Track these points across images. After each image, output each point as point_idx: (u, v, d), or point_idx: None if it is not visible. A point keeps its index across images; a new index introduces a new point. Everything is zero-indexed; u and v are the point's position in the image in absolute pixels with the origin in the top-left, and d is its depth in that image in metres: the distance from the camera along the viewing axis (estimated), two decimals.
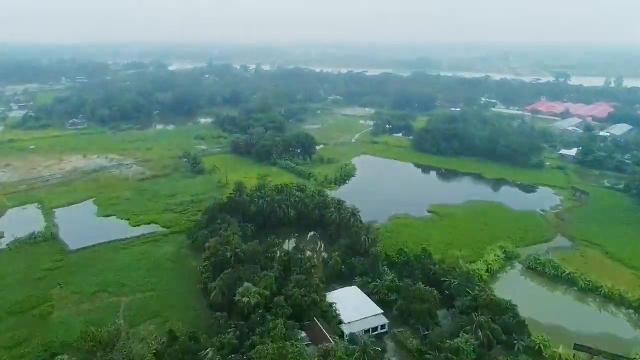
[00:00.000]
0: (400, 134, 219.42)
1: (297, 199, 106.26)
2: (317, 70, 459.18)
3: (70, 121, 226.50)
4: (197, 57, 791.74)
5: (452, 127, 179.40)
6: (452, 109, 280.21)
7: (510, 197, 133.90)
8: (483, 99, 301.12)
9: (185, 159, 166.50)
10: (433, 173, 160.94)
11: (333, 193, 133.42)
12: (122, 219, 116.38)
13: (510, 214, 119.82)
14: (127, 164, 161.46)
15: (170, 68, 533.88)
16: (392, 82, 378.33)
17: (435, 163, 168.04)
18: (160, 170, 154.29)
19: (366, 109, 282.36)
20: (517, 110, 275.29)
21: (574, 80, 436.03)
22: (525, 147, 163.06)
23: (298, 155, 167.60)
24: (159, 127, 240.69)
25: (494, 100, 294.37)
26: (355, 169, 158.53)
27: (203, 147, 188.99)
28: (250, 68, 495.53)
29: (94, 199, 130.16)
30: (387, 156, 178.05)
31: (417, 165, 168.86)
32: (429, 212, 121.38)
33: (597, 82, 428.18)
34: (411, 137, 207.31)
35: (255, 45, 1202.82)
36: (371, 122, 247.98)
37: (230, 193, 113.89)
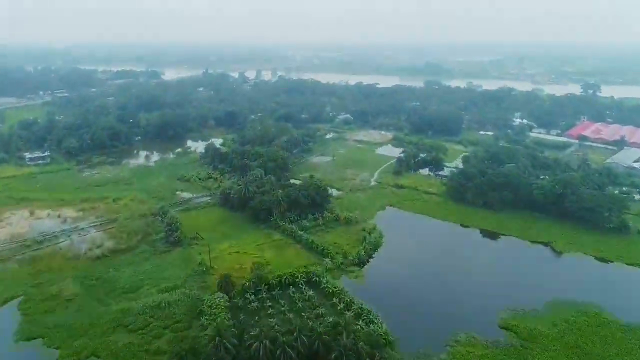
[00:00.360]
0: (426, 169, 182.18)
1: (311, 335, 68.16)
2: (323, 81, 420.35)
3: (32, 155, 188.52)
4: (195, 62, 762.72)
5: (503, 174, 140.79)
6: (481, 132, 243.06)
7: (606, 291, 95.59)
8: (516, 120, 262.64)
9: (160, 218, 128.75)
10: (485, 240, 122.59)
11: (358, 287, 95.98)
12: (50, 347, 78.41)
13: (621, 334, 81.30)
14: (84, 229, 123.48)
15: (163, 77, 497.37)
16: (406, 96, 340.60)
17: (483, 223, 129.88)
18: (125, 239, 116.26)
19: (382, 132, 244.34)
20: (557, 135, 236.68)
21: (604, 91, 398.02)
22: (603, 205, 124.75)
23: (307, 212, 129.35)
24: (140, 158, 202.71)
25: (528, 122, 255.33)
26: (382, 235, 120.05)
27: (186, 194, 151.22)
28: (250, 79, 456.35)
29: (22, 297, 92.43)
30: (420, 210, 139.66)
31: (458, 223, 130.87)
32: (502, 328, 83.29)
33: (628, 92, 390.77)
34: (442, 174, 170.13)
35: (255, 46, 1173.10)
36: (390, 150, 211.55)
37: (209, 320, 75.84)
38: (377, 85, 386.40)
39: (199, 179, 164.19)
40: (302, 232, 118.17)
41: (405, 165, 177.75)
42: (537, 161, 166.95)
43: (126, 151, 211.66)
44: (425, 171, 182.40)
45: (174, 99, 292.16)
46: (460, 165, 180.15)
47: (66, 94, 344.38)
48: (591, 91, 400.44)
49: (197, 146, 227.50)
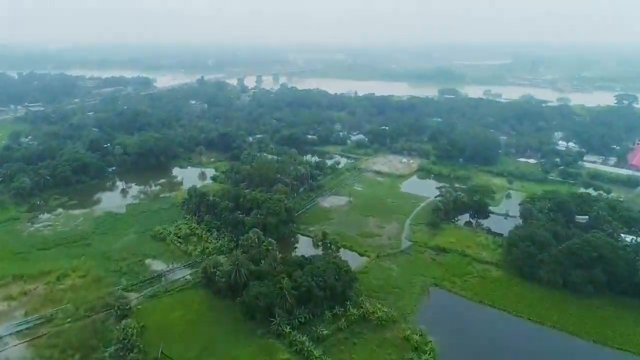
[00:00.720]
0: (467, 215, 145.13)
1: None
2: (330, 91, 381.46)
3: None
4: (192, 66, 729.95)
5: (590, 244, 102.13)
6: (522, 159, 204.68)
7: None
8: (559, 142, 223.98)
9: (115, 314, 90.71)
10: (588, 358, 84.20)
11: None
12: None
13: None
14: (1, 338, 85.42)
15: (155, 84, 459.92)
16: (424, 110, 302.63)
17: (573, 320, 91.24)
18: None
19: (403, 159, 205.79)
20: (615, 165, 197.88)
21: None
22: None
23: (323, 307, 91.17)
24: (110, 197, 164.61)
25: (577, 146, 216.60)
26: (434, 353, 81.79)
27: (159, 264, 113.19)
28: (249, 88, 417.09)
29: None
30: (477, 294, 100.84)
31: (537, 319, 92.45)
32: None
33: None
34: (494, 232, 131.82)
35: (255, 47, 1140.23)
36: (417, 185, 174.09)
37: None
38: (391, 97, 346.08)
39: (178, 237, 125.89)
40: (317, 350, 79.97)
41: (442, 214, 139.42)
42: (616, 213, 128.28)
43: (96, 187, 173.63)
44: (465, 217, 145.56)
45: (160, 116, 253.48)
46: (511, 213, 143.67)
47: (42, 108, 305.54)
48: (626, 102, 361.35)
49: (185, 175, 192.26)
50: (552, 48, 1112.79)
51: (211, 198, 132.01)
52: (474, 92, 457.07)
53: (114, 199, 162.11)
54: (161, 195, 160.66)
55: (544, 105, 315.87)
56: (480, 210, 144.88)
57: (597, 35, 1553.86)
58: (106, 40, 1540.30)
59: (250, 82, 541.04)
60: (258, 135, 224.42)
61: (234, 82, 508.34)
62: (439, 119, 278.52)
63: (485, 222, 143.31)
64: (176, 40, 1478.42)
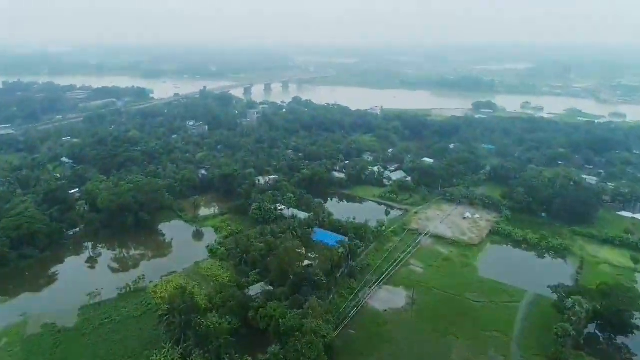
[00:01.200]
0: (601, 335, 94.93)
1: None
2: (350, 105, 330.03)
3: None
4: (195, 70, 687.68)
5: None
6: (626, 214, 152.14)
7: None
8: None
9: None
10: None
11: None
12: None
13: None
14: None
15: (152, 95, 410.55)
16: (469, 133, 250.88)
17: None
18: None
19: (467, 213, 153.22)
20: None
21: None
22: None
23: None
24: (58, 289, 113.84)
25: None
26: None
27: None
28: (257, 102, 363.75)
29: None
30: None
31: None
32: None
33: None
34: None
35: (260, 50, 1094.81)
36: (497, 260, 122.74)
37: None
38: (427, 116, 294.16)
39: None
40: None
41: (571, 341, 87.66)
42: None
43: (45, 265, 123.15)
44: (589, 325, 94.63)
45: (148, 148, 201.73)
46: None
47: (11, 131, 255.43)
48: None
49: (174, 234, 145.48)
50: (552, 48, 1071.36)
51: (203, 323, 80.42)
52: (510, 103, 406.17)
53: (64, 289, 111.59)
54: (133, 287, 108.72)
55: (612, 126, 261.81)
56: (620, 325, 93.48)
57: (598, 35, 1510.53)
58: (106, 40, 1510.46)
59: (257, 90, 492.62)
60: (272, 176, 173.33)
61: (239, 91, 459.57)
62: (491, 147, 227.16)
63: (620, 338, 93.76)
64: (176, 41, 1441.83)
